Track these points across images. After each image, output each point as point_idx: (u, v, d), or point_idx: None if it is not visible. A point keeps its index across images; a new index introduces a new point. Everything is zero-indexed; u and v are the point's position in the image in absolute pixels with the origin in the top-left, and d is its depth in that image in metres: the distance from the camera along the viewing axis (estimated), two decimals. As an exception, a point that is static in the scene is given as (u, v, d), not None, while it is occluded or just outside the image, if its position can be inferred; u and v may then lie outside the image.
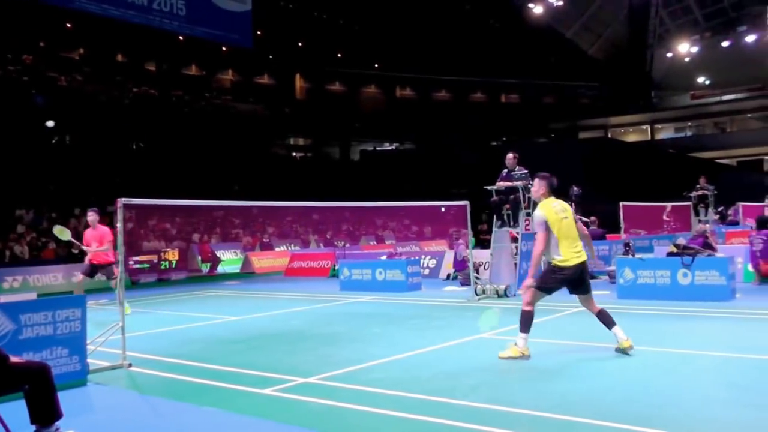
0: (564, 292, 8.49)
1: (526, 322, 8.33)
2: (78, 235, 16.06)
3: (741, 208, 29.04)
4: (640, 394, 6.49)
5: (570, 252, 8.19)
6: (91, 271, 14.58)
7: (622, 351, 8.17)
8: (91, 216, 14.39)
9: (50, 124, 37.82)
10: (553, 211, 8.28)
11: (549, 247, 8.26)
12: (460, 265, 18.12)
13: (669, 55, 65.84)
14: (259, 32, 50.66)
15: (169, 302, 16.67)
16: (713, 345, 8.66)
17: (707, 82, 67.04)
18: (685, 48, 63.71)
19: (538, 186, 8.59)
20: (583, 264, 8.26)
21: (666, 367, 7.59)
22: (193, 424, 6.24)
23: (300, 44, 58.64)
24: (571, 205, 18.69)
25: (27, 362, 5.52)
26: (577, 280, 8.32)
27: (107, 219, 26.14)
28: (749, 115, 63.71)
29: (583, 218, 20.74)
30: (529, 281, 8.31)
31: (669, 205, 26.96)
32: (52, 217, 27.52)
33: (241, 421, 6.18)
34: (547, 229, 8.19)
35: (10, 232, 24.80)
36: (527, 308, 8.35)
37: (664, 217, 27.05)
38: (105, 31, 44.37)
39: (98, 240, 14.28)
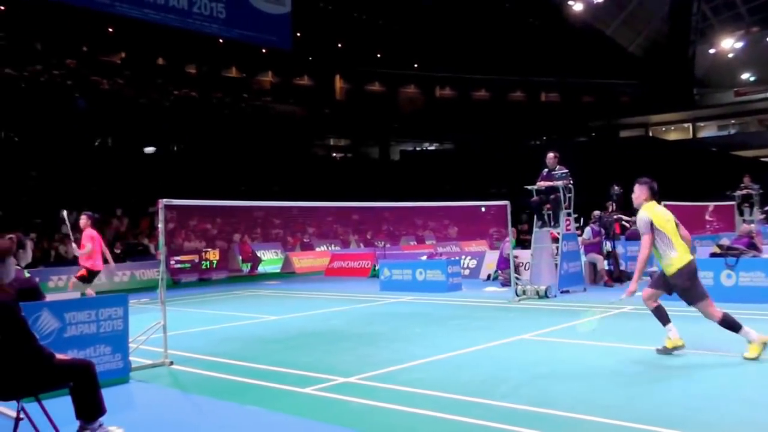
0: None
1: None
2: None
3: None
4: (680, 397, 6.42)
5: (681, 254, 8.13)
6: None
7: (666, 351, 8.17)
8: (83, 220, 13.99)
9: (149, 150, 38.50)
10: (658, 213, 8.25)
11: (658, 251, 8.22)
12: (506, 263, 17.98)
13: (712, 51, 64.80)
14: (298, 34, 50.85)
15: (209, 301, 16.80)
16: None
17: (752, 79, 65.86)
18: (728, 44, 62.66)
19: (639, 192, 8.53)
20: (692, 265, 8.17)
21: (708, 372, 7.50)
22: (235, 422, 6.28)
23: (339, 45, 58.76)
24: (612, 205, 18.60)
25: (72, 360, 5.61)
26: (683, 291, 8.24)
27: (148, 220, 26.55)
28: (795, 112, 62.61)
29: (624, 218, 20.55)
30: (633, 286, 8.22)
31: (711, 204, 26.50)
32: (96, 218, 27.87)
33: (283, 420, 6.20)
34: (653, 230, 8.14)
35: (55, 233, 25.17)
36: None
37: (707, 217, 26.60)
38: (145, 35, 44.86)
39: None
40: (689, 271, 8.06)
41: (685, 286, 8.09)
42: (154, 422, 6.43)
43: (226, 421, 6.33)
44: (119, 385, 7.59)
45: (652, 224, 8.13)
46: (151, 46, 47.58)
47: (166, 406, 7.02)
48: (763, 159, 55.38)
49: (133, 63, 47.55)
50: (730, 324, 7.90)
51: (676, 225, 8.31)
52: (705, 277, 12.94)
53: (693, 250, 8.63)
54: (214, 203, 11.31)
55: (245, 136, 45.16)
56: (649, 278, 16.25)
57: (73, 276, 14.54)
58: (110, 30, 45.46)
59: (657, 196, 8.52)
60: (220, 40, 48.07)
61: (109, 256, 14.19)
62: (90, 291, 13.79)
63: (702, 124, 66.60)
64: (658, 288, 8.36)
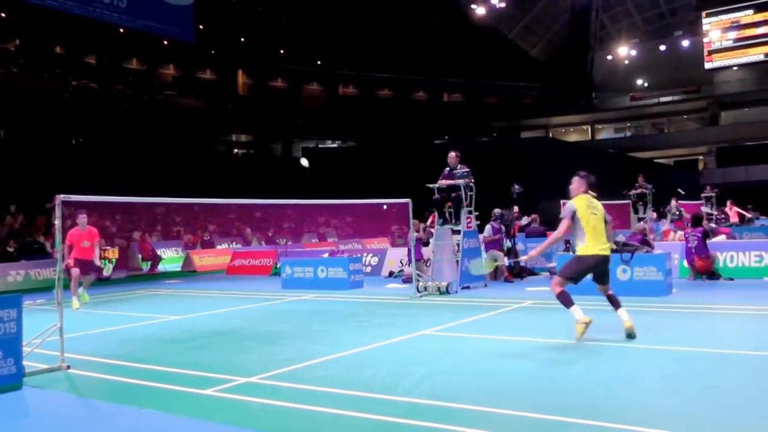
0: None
1: (566, 300, 8.74)
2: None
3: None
4: (579, 386, 6.65)
5: (592, 244, 8.72)
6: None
7: (629, 335, 8.75)
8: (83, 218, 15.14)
9: None
10: (584, 205, 8.80)
11: (575, 237, 8.86)
12: (419, 255, 17.95)
13: (609, 57, 67.07)
14: (201, 26, 50.08)
15: (109, 302, 16.43)
16: (651, 338, 8.88)
17: (646, 85, 68.46)
18: (624, 51, 65.02)
19: (577, 183, 9.09)
20: (605, 257, 8.83)
21: (606, 360, 7.81)
22: (133, 426, 6.16)
23: (242, 39, 58.16)
24: (512, 204, 19.03)
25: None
26: (599, 272, 8.87)
27: (45, 217, 25.73)
28: (685, 116, 65.30)
29: (526, 216, 21.07)
30: (534, 253, 9.34)
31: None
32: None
33: (183, 423, 6.12)
34: (573, 218, 8.73)
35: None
36: (557, 290, 8.78)
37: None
38: (43, 22, 43.32)
39: (90, 238, 15.18)
40: (584, 263, 8.76)
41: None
42: (48, 429, 6.25)
43: (124, 425, 6.20)
44: (12, 391, 7.32)
45: (574, 214, 8.74)
46: (48, 33, 45.96)
47: (61, 413, 6.80)
48: (656, 160, 57.76)
49: (28, 51, 45.92)
50: (562, 301, 8.74)
51: (606, 223, 8.94)
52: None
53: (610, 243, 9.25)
54: (113, 199, 11.01)
55: (146, 130, 44.25)
56: (548, 274, 16.79)
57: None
58: (3, 15, 43.75)
59: (593, 188, 9.13)
60: (121, 30, 46.92)
61: None
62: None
63: (600, 126, 68.85)
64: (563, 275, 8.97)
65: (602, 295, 8.96)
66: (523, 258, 9.39)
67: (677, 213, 24.95)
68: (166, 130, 46.24)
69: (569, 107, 66.97)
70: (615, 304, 8.91)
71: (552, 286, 8.94)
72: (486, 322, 10.83)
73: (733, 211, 25.63)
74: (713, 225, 22.35)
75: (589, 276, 8.97)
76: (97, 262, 15.76)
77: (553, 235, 9.00)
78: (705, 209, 28.30)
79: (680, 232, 20.28)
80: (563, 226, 8.81)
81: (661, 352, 8.21)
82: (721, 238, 18.42)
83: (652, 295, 12.86)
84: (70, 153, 38.87)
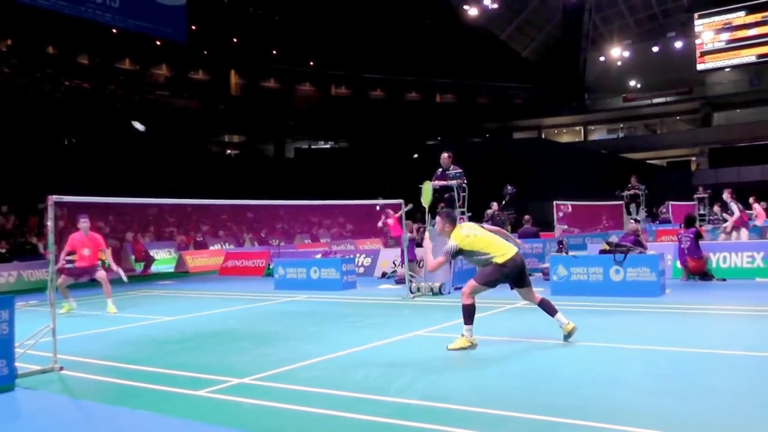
0: (503, 290, 8.69)
1: (470, 314, 8.68)
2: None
3: (671, 207, 29.82)
4: (572, 387, 6.66)
5: (501, 250, 8.63)
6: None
7: (568, 335, 8.63)
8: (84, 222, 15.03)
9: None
10: (462, 236, 8.71)
11: (481, 262, 8.81)
12: (412, 254, 17.89)
13: (602, 58, 67.26)
14: (193, 27, 50.03)
15: (102, 303, 16.37)
16: (643, 339, 8.94)
17: (638, 86, 68.69)
18: (617, 52, 65.21)
19: (441, 224, 9.02)
20: (517, 256, 8.65)
21: (598, 361, 7.84)
22: (126, 428, 6.17)
23: (235, 40, 58.15)
24: (504, 203, 19.05)
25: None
26: (518, 275, 8.70)
27: (38, 218, 25.66)
28: (678, 117, 65.64)
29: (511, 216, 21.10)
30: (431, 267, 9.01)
31: (568, 204, 26.82)
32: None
33: (175, 424, 6.12)
34: (458, 254, 8.80)
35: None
36: (468, 302, 8.69)
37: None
38: (35, 22, 43.21)
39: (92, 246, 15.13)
40: (505, 269, 8.62)
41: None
42: (41, 431, 6.24)
43: (116, 426, 6.21)
44: (4, 393, 7.31)
45: (458, 250, 8.74)
46: (41, 33, 45.87)
47: (54, 414, 6.79)
48: (648, 161, 57.93)
49: (21, 51, 45.82)
50: (466, 314, 8.72)
51: (486, 230, 8.96)
52: (595, 273, 13.65)
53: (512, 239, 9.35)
54: (106, 200, 11.00)
55: (138, 131, 44.18)
56: (541, 274, 16.83)
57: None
58: (-5, 15, 43.67)
59: (454, 222, 9.07)
60: (114, 30, 46.83)
61: None
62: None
63: (593, 127, 69.09)
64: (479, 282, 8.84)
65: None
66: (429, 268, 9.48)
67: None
68: (158, 130, 46.18)
69: (561, 108, 67.14)
70: (550, 311, 8.80)
71: (463, 293, 8.87)
72: (478, 322, 10.79)
73: (760, 209, 24.98)
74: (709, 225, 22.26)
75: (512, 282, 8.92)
76: (114, 268, 15.56)
77: (433, 264, 8.88)
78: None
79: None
80: (440, 260, 8.80)
81: (653, 352, 8.24)
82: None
83: (645, 296, 12.91)
84: (62, 153, 38.80)
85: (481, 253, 8.66)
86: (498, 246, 8.67)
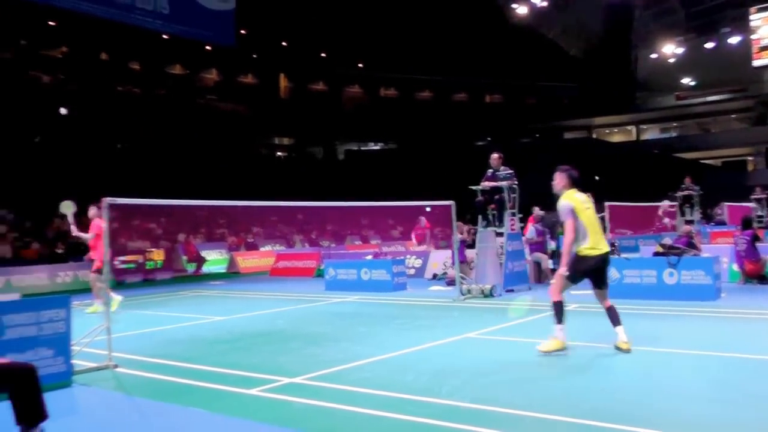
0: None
1: (559, 312, 8.34)
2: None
3: (726, 208, 29.19)
4: (623, 392, 6.56)
5: (598, 241, 8.33)
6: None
7: (619, 349, 8.28)
8: (92, 210, 14.95)
9: (63, 111, 37.43)
10: (578, 200, 8.43)
11: (577, 236, 8.35)
12: (463, 256, 17.74)
13: (653, 56, 66.02)
14: (242, 31, 50.48)
15: (154, 303, 16.61)
16: (697, 344, 8.75)
17: (692, 83, 67.41)
18: (669, 49, 63.90)
19: (558, 178, 8.70)
20: (607, 255, 8.39)
21: (648, 366, 7.66)
22: (179, 424, 6.23)
23: (284, 43, 58.51)
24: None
25: (11, 363, 5.49)
26: (599, 271, 8.43)
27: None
28: (732, 116, 64.15)
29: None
30: (563, 270, 8.38)
31: (665, 203, 26.62)
32: (36, 217, 27.38)
33: (227, 422, 6.17)
34: (575, 216, 8.30)
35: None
36: (557, 299, 8.36)
37: (660, 214, 26.73)
38: (88, 30, 44.08)
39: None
40: (587, 264, 8.31)
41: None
42: (96, 426, 6.35)
43: (170, 423, 6.28)
44: (61, 389, 7.43)
45: (573, 211, 8.31)
46: (93, 40, 46.75)
47: (109, 410, 6.91)
48: (702, 161, 56.79)
49: (74, 58, 46.70)
50: (555, 311, 8.31)
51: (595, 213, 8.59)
52: (648, 276, 13.35)
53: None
54: (158, 202, 11.15)
55: (189, 134, 44.73)
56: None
57: (90, 272, 15.18)
58: (51, 23, 44.56)
59: (576, 184, 8.69)
60: (164, 36, 47.48)
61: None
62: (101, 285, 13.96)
63: (645, 126, 67.94)
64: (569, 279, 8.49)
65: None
66: (552, 281, 9.04)
67: None
68: (208, 134, 46.69)
69: (612, 107, 66.18)
70: (614, 320, 8.41)
71: (551, 290, 8.51)
72: (529, 325, 10.75)
73: None
74: None
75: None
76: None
77: (566, 240, 8.35)
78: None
79: None
80: (570, 227, 8.31)
81: (706, 357, 8.06)
82: None
83: (699, 300, 12.61)
84: (115, 157, 39.44)
85: (582, 226, 8.29)
86: (595, 233, 8.33)
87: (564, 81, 67.81)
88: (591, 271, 8.39)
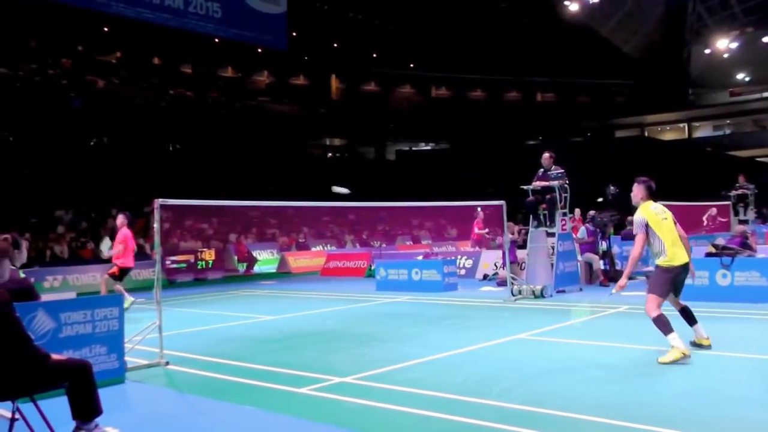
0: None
1: (664, 325, 8.06)
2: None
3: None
4: (679, 397, 6.44)
5: (676, 252, 8.19)
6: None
7: (699, 346, 8.32)
8: (120, 219, 14.76)
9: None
10: (653, 213, 8.33)
11: (653, 249, 8.30)
12: (513, 256, 17.57)
13: (707, 51, 64.76)
14: (293, 33, 50.84)
15: (205, 302, 16.80)
16: (753, 347, 8.56)
17: (747, 79, 65.91)
18: (724, 44, 62.62)
19: (636, 190, 8.61)
20: (687, 265, 8.25)
21: (703, 370, 7.52)
22: (231, 422, 6.28)
23: (335, 45, 58.75)
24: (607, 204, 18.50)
25: (68, 360, 5.60)
26: (682, 282, 8.32)
27: (144, 220, 26.55)
28: (790, 112, 62.66)
29: (613, 217, 20.55)
30: (624, 282, 8.35)
31: (713, 208, 26.20)
32: (92, 217, 27.89)
33: (279, 420, 6.22)
34: (647, 231, 8.25)
35: (50, 233, 25.14)
36: (655, 314, 8.08)
37: (705, 219, 26.37)
38: (141, 35, 44.83)
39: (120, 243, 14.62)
40: (671, 274, 8.18)
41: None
42: (149, 422, 6.43)
43: (222, 421, 6.34)
44: (115, 385, 7.57)
45: (647, 226, 8.22)
46: (146, 45, 47.57)
47: (161, 406, 7.02)
48: (758, 159, 55.51)
49: (128, 62, 47.53)
50: (660, 326, 8.01)
51: (674, 223, 8.38)
52: (701, 277, 12.97)
53: (690, 250, 8.62)
54: (209, 203, 11.28)
55: (241, 136, 45.17)
56: (645, 278, 16.35)
57: (105, 273, 15.37)
58: (106, 29, 45.41)
59: (654, 195, 8.58)
60: (216, 40, 48.04)
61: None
62: (119, 287, 14.36)
63: (697, 124, 66.69)
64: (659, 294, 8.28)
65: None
66: (612, 291, 8.96)
67: None
68: (260, 135, 47.09)
69: (664, 105, 65.08)
70: (691, 319, 8.38)
71: (647, 309, 8.23)
72: (581, 327, 10.64)
73: None
74: None
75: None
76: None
77: (633, 254, 8.35)
78: None
79: None
80: (639, 242, 8.31)
81: (763, 362, 7.90)
82: None
83: (755, 302, 12.27)
84: (167, 159, 40.02)
85: (658, 240, 8.23)
86: (672, 245, 8.21)
87: (617, 78, 66.95)
88: (673, 283, 8.24)
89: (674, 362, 7.77)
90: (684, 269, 8.22)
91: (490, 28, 59.73)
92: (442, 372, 7.80)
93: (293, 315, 13.71)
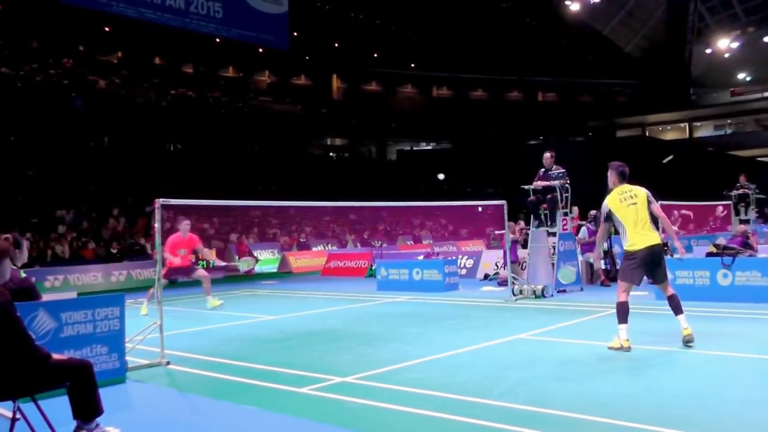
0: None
1: (620, 313, 8.41)
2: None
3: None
4: (681, 396, 6.41)
5: (637, 236, 8.34)
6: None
7: (687, 341, 8.37)
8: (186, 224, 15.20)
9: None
10: (617, 200, 8.54)
11: (621, 236, 8.59)
12: (514, 256, 17.64)
13: (708, 51, 64.81)
14: (295, 33, 50.86)
15: (206, 301, 16.79)
16: (754, 347, 8.53)
17: (748, 79, 65.94)
18: (725, 44, 62.67)
19: (609, 176, 8.91)
20: (653, 247, 8.35)
21: (705, 370, 7.51)
22: (232, 422, 6.27)
23: (336, 45, 58.78)
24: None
25: (69, 359, 5.60)
26: (651, 264, 8.41)
27: (145, 219, 26.55)
28: (790, 112, 62.66)
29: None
30: (593, 255, 8.74)
31: (721, 206, 26.20)
32: (93, 217, 27.88)
33: (280, 420, 6.21)
34: (611, 218, 8.57)
35: (51, 232, 25.14)
36: (619, 299, 8.44)
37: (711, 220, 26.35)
38: (142, 35, 44.88)
39: (188, 246, 15.15)
40: (635, 259, 8.41)
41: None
42: (151, 422, 6.43)
43: (223, 421, 6.33)
44: (116, 385, 7.57)
45: (609, 213, 8.61)
46: (148, 45, 47.65)
47: (162, 406, 7.02)
48: (759, 159, 55.52)
49: (130, 62, 47.57)
50: (617, 311, 8.48)
51: (648, 203, 8.55)
52: (701, 277, 13.02)
53: (670, 229, 8.94)
54: (210, 203, 11.29)
55: (242, 136, 45.17)
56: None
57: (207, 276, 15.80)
58: (107, 29, 45.47)
59: (628, 179, 8.85)
60: (217, 40, 48.05)
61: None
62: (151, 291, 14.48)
63: (699, 123, 66.72)
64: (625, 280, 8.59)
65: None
66: (591, 259, 9.31)
67: None
68: (261, 135, 47.09)
69: (666, 104, 65.09)
70: (676, 308, 8.43)
71: (617, 292, 8.57)
72: (582, 326, 10.62)
73: None
74: None
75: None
76: (220, 263, 15.90)
77: (597, 238, 8.82)
78: None
79: None
80: (600, 230, 8.81)
81: (764, 362, 7.88)
82: None
83: (756, 302, 12.22)
84: (168, 159, 40.01)
85: (621, 226, 8.49)
86: (635, 229, 8.38)
87: (619, 78, 66.98)
88: (642, 266, 8.38)
89: (614, 350, 8.31)
90: (650, 252, 8.32)
91: (492, 28, 59.80)
92: (444, 372, 7.79)
93: (294, 315, 13.71)
